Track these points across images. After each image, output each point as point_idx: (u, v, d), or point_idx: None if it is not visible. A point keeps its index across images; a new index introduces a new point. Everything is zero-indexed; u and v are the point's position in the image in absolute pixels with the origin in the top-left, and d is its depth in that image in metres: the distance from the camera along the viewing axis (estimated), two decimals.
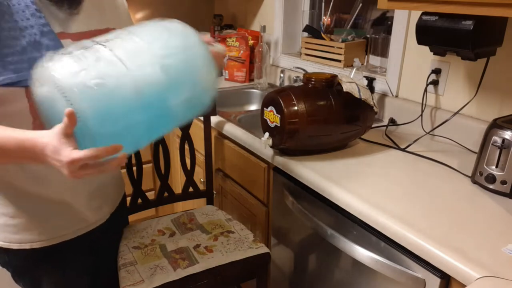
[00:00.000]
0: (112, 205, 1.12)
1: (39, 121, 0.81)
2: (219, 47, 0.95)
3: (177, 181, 2.05)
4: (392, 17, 1.56)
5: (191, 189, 1.53)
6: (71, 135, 0.66)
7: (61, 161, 0.66)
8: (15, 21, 0.77)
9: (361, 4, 1.81)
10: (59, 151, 0.66)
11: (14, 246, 0.94)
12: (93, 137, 0.67)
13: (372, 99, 1.27)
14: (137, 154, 1.40)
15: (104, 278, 1.17)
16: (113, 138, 0.68)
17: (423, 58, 1.45)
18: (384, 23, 1.75)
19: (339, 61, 1.81)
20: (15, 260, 0.98)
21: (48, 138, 0.68)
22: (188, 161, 1.50)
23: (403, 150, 1.30)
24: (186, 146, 1.50)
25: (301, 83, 1.27)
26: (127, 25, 0.98)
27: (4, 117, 0.80)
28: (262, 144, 1.25)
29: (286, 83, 2.14)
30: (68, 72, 0.67)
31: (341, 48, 1.79)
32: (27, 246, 0.94)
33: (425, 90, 1.43)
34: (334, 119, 1.20)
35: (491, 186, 1.05)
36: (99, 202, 1.04)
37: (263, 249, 1.29)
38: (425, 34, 1.18)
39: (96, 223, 1.05)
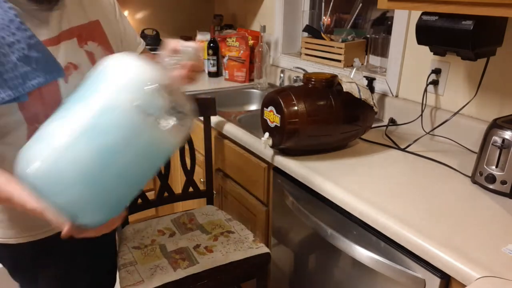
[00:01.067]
0: None
1: (34, 127, 0.82)
2: (188, 50, 0.80)
3: (177, 181, 2.05)
4: (392, 17, 1.56)
5: (191, 189, 1.53)
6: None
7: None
8: (2, 37, 0.77)
9: (361, 4, 1.81)
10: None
11: (12, 241, 0.94)
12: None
13: (372, 99, 1.27)
14: None
15: (102, 273, 1.16)
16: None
17: (423, 58, 1.45)
18: (384, 23, 1.75)
19: (339, 61, 1.81)
20: (13, 255, 0.97)
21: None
22: (188, 161, 1.50)
23: (403, 150, 1.30)
24: (186, 146, 1.50)
25: (301, 83, 1.27)
26: (113, 16, 0.98)
27: (1, 128, 0.82)
28: (262, 144, 1.25)
29: (286, 83, 2.14)
30: (27, 164, 0.68)
31: (341, 48, 1.79)
32: (24, 240, 0.94)
33: (425, 90, 1.43)
34: (334, 119, 1.20)
35: (491, 186, 1.05)
36: None
37: (263, 249, 1.29)
38: (425, 34, 1.18)
39: None
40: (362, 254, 0.99)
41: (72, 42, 0.88)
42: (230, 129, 1.54)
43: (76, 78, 0.87)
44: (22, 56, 0.79)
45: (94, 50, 0.92)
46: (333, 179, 1.11)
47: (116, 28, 1.01)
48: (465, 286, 0.77)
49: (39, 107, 0.83)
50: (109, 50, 0.96)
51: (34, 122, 0.83)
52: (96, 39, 0.93)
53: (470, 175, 1.12)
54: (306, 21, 2.15)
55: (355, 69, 1.58)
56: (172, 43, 0.80)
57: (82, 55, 0.89)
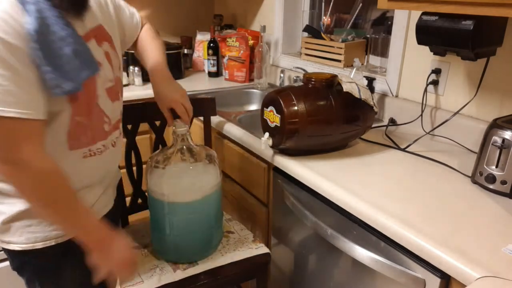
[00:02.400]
0: (114, 192, 1.15)
1: (75, 118, 0.89)
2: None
3: None
4: (392, 17, 1.56)
5: None
6: None
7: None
8: (56, 31, 0.81)
9: (361, 4, 1.81)
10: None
11: (39, 245, 0.94)
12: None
13: (372, 99, 1.27)
14: (137, 154, 1.40)
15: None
16: None
17: (423, 58, 1.45)
18: (384, 23, 1.75)
19: (339, 61, 1.81)
20: (37, 260, 0.97)
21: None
22: None
23: (403, 150, 1.30)
24: None
25: (301, 83, 1.27)
26: (112, 19, 1.03)
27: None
28: (262, 144, 1.25)
29: (286, 83, 2.14)
30: None
31: (341, 48, 1.79)
32: (52, 242, 0.95)
33: (425, 90, 1.43)
34: (334, 119, 1.20)
35: (491, 186, 1.05)
36: (107, 185, 1.07)
37: (263, 249, 1.28)
38: (425, 34, 1.18)
39: (106, 208, 1.08)
40: (362, 254, 0.99)
41: (93, 42, 0.92)
42: (230, 129, 1.54)
43: (101, 75, 0.94)
44: (73, 49, 0.83)
45: (108, 50, 0.98)
46: (333, 179, 1.11)
47: (117, 30, 1.06)
48: (465, 286, 0.77)
49: (83, 98, 0.89)
50: (116, 50, 1.02)
51: (76, 113, 0.89)
52: (108, 40, 0.98)
53: (470, 175, 1.12)
54: (306, 21, 2.15)
55: (355, 69, 1.58)
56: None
57: (102, 54, 0.95)
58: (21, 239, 0.94)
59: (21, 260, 0.98)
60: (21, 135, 0.79)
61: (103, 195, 1.06)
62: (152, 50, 1.20)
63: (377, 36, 1.71)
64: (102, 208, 1.07)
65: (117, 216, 1.26)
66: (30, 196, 0.84)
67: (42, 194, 0.84)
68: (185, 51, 2.48)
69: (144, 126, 1.41)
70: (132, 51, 1.34)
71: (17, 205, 0.91)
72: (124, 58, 2.27)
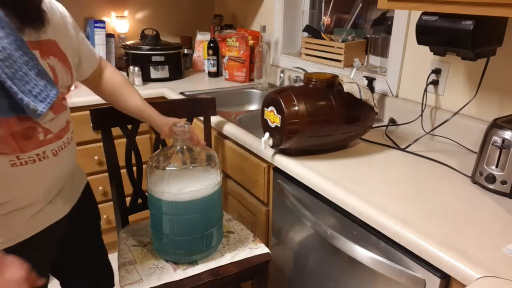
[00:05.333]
0: (71, 199, 1.08)
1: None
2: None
3: None
4: (392, 17, 1.56)
5: None
6: None
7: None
8: (19, 57, 0.82)
9: (361, 4, 1.81)
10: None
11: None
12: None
13: (373, 100, 1.27)
14: (137, 154, 1.40)
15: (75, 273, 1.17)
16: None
17: (423, 58, 1.45)
18: (384, 23, 1.75)
19: (339, 61, 1.81)
20: None
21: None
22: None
23: (403, 150, 1.30)
24: None
25: (301, 83, 1.27)
26: (68, 37, 1.01)
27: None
28: (263, 144, 1.25)
29: (286, 83, 2.14)
30: None
31: (341, 48, 1.79)
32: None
33: (425, 90, 1.44)
34: (335, 119, 1.20)
35: (491, 186, 1.05)
36: (54, 195, 1.01)
37: (263, 249, 1.29)
38: (425, 34, 1.18)
39: (55, 218, 1.01)
40: (362, 254, 0.99)
41: (36, 53, 0.88)
42: (230, 129, 1.54)
43: None
44: (37, 71, 0.83)
45: (55, 64, 0.93)
46: (333, 179, 1.11)
47: (73, 47, 1.03)
48: (465, 286, 0.77)
49: None
50: (68, 67, 0.98)
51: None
52: (56, 55, 0.94)
53: (470, 175, 1.12)
54: (306, 21, 2.15)
55: (355, 69, 1.58)
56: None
57: (46, 67, 0.90)
58: None
59: None
60: None
61: (48, 206, 0.98)
62: (134, 93, 1.24)
63: (377, 36, 1.71)
64: (48, 218, 0.99)
65: (85, 222, 1.19)
66: None
67: None
68: (185, 51, 2.49)
69: (144, 126, 1.41)
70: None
71: None
72: (124, 57, 2.27)
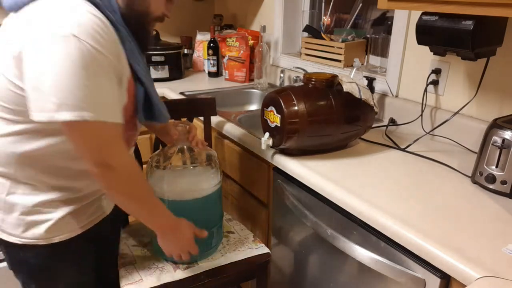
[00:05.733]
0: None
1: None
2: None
3: None
4: (392, 17, 1.56)
5: None
6: None
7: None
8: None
9: (361, 4, 1.81)
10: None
11: (41, 242, 0.94)
12: None
13: (373, 99, 1.27)
14: (137, 154, 1.40)
15: (108, 271, 1.18)
16: None
17: (423, 58, 1.45)
18: (384, 23, 1.75)
19: (339, 61, 1.81)
20: (35, 259, 0.97)
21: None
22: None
23: (403, 150, 1.30)
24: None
25: (301, 83, 1.27)
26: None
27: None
28: (262, 144, 1.25)
29: (286, 83, 2.14)
30: None
31: (341, 48, 1.79)
32: (56, 239, 0.95)
33: (425, 90, 1.43)
34: (335, 119, 1.20)
35: (491, 186, 1.05)
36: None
37: (263, 249, 1.28)
38: (425, 34, 1.18)
39: (109, 209, 1.08)
40: (362, 254, 0.99)
41: None
42: (230, 129, 1.54)
43: None
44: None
45: None
46: (333, 179, 1.11)
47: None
48: (465, 286, 0.77)
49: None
50: None
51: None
52: None
53: (470, 175, 1.12)
54: (306, 21, 2.15)
55: (355, 69, 1.58)
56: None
57: None
58: (26, 234, 0.94)
59: (18, 257, 0.98)
60: (113, 139, 0.86)
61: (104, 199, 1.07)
62: None
63: (377, 36, 1.71)
64: (106, 206, 1.07)
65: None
66: (118, 193, 0.91)
67: (129, 191, 0.92)
68: (185, 51, 2.48)
69: (143, 126, 1.41)
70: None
71: (40, 196, 0.92)
72: None
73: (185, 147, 1.16)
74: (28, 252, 0.96)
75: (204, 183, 1.15)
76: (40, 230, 0.94)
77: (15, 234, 0.94)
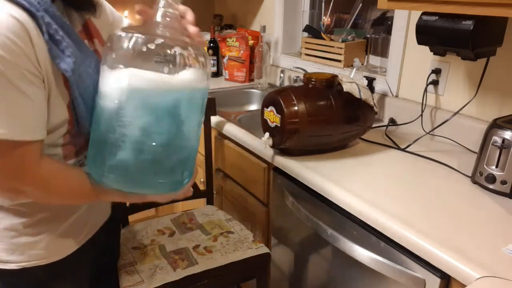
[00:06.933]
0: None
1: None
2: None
3: None
4: (392, 17, 1.56)
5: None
6: None
7: None
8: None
9: (361, 4, 1.81)
10: None
11: (43, 262, 0.88)
12: None
13: (373, 99, 1.27)
14: None
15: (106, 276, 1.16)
16: None
17: (423, 58, 1.45)
18: (384, 23, 1.75)
19: (339, 61, 1.81)
20: (31, 279, 0.90)
21: None
22: None
23: (403, 150, 1.30)
24: None
25: (301, 83, 1.27)
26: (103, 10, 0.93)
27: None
28: (262, 144, 1.25)
29: (286, 83, 2.14)
30: None
31: (341, 48, 1.79)
32: (54, 258, 0.89)
33: (425, 90, 1.43)
34: (334, 119, 1.20)
35: (491, 186, 1.05)
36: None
37: (263, 249, 1.29)
38: (425, 34, 1.18)
39: (103, 220, 1.03)
40: (362, 254, 0.99)
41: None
42: (230, 129, 1.54)
43: None
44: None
45: (99, 48, 0.89)
46: (333, 179, 1.11)
47: (105, 21, 0.94)
48: (465, 286, 0.77)
49: None
50: (103, 44, 0.90)
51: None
52: (98, 37, 0.90)
53: (470, 175, 1.12)
54: (306, 21, 2.15)
55: (355, 69, 1.58)
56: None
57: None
58: (20, 258, 0.86)
59: (10, 283, 0.89)
60: (25, 160, 0.73)
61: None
62: None
63: (377, 36, 1.71)
64: (101, 216, 1.01)
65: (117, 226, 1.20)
66: (44, 201, 0.83)
67: (56, 197, 0.82)
68: None
69: None
70: None
71: (19, 219, 0.84)
72: None
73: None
74: (25, 277, 0.89)
75: (185, 74, 0.74)
76: (36, 250, 0.87)
77: (11, 260, 0.86)
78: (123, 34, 0.73)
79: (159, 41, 0.72)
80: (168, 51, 0.72)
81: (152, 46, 0.71)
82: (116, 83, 0.73)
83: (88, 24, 0.87)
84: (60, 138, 0.81)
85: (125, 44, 0.72)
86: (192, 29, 0.81)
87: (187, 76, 0.75)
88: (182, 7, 0.81)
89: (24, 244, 0.86)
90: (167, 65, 0.72)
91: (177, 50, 0.72)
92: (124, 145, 0.74)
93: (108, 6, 0.99)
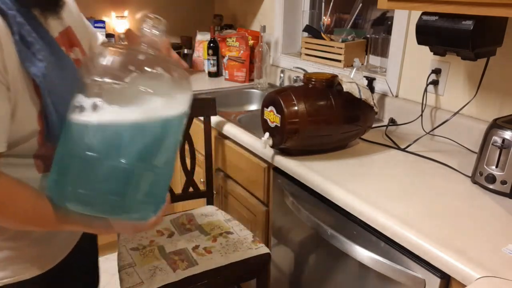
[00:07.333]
0: None
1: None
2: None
3: (177, 181, 2.05)
4: (392, 17, 1.56)
5: (191, 189, 1.53)
6: None
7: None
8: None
9: (361, 4, 1.81)
10: None
11: (26, 276, 0.81)
12: None
13: (373, 99, 1.27)
14: None
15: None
16: None
17: (423, 58, 1.45)
18: (384, 23, 1.75)
19: (339, 61, 1.81)
20: None
21: None
22: (188, 161, 1.50)
23: (403, 150, 1.30)
24: (186, 146, 1.50)
25: (301, 83, 1.27)
26: (77, 18, 0.90)
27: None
28: (262, 144, 1.25)
29: (286, 83, 2.14)
30: None
31: (341, 48, 1.79)
32: (38, 271, 0.82)
33: (425, 90, 1.43)
34: (334, 119, 1.20)
35: (491, 186, 1.05)
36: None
37: (263, 249, 1.28)
38: (425, 34, 1.18)
39: (77, 237, 0.93)
40: (362, 254, 0.99)
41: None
42: (230, 129, 1.54)
43: None
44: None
45: (79, 56, 0.83)
46: (333, 179, 1.11)
47: (83, 30, 0.91)
48: (465, 286, 0.77)
49: None
50: (84, 53, 0.86)
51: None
52: (78, 46, 0.84)
53: (470, 175, 1.12)
54: (306, 21, 2.15)
55: (355, 69, 1.58)
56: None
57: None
58: (5, 273, 0.79)
59: None
60: None
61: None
62: None
63: (377, 36, 1.71)
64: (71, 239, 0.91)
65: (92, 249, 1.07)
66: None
67: (7, 221, 0.71)
68: (185, 51, 2.49)
69: None
70: None
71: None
72: None
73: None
74: None
75: (159, 98, 0.66)
76: (17, 265, 0.80)
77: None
78: (101, 53, 0.66)
79: (142, 57, 0.67)
80: (149, 69, 0.66)
81: (132, 67, 0.65)
82: (83, 115, 0.64)
83: (68, 32, 0.82)
84: (31, 149, 0.74)
85: (100, 64, 0.65)
86: (174, 55, 0.80)
87: (161, 105, 0.66)
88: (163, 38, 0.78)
89: (5, 258, 0.79)
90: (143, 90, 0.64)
91: (159, 70, 0.67)
92: (91, 171, 0.65)
93: (85, 21, 0.96)
